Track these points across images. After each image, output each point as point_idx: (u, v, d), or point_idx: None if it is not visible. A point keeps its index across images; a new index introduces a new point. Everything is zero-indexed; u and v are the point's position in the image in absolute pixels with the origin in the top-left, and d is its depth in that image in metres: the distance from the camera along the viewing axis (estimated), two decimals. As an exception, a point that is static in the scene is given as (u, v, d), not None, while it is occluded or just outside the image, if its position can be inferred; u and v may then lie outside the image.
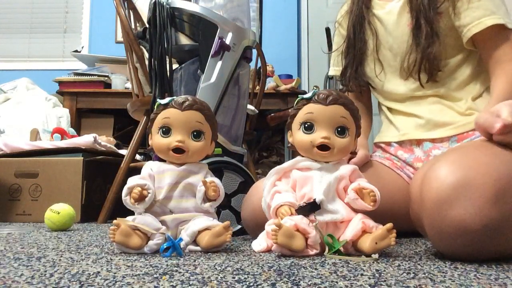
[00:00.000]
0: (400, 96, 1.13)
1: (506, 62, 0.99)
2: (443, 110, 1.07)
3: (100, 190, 1.82)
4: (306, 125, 0.81)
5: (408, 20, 1.08)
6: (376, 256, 0.70)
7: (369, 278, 0.55)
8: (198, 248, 0.80)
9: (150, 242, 0.77)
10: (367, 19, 1.15)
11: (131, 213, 0.83)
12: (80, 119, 2.76)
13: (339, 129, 0.80)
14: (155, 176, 0.87)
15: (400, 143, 1.12)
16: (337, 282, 0.52)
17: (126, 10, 1.71)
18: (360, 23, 1.15)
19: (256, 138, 2.99)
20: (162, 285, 0.50)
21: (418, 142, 1.09)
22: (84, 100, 2.67)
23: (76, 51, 3.03)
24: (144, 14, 1.44)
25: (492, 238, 0.64)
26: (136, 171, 1.28)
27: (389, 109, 1.17)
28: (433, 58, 1.03)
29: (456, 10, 1.02)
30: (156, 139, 0.87)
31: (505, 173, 0.65)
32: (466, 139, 1.01)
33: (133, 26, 1.78)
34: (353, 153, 0.89)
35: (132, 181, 0.84)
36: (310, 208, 0.76)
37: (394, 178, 1.09)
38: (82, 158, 1.72)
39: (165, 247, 0.74)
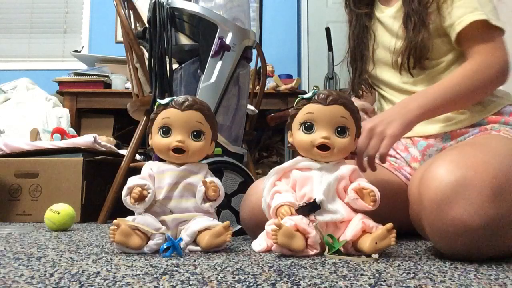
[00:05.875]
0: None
1: (471, 56, 0.96)
2: None
3: (100, 190, 1.82)
4: (306, 125, 0.81)
5: (401, 20, 1.09)
6: (376, 256, 0.70)
7: (369, 278, 0.55)
8: (198, 248, 0.80)
9: (150, 242, 0.77)
10: (369, 27, 1.16)
11: (131, 213, 0.83)
12: (80, 119, 2.76)
13: (339, 129, 0.80)
14: (155, 176, 0.87)
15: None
16: (337, 282, 0.52)
17: (126, 10, 1.71)
18: (362, 32, 1.16)
19: (256, 138, 2.99)
20: (162, 285, 0.50)
21: (413, 142, 1.09)
22: (84, 100, 2.67)
23: (76, 51, 3.04)
24: (144, 14, 1.44)
25: (492, 237, 0.64)
26: (136, 171, 1.28)
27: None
28: (421, 46, 1.01)
29: (442, 11, 1.01)
30: (156, 139, 0.87)
31: (502, 170, 0.66)
32: (460, 136, 1.01)
33: (133, 26, 1.78)
34: (353, 153, 0.89)
35: (132, 181, 0.84)
36: (310, 208, 0.76)
37: (392, 179, 1.08)
38: (82, 158, 1.72)
39: (165, 247, 0.74)
